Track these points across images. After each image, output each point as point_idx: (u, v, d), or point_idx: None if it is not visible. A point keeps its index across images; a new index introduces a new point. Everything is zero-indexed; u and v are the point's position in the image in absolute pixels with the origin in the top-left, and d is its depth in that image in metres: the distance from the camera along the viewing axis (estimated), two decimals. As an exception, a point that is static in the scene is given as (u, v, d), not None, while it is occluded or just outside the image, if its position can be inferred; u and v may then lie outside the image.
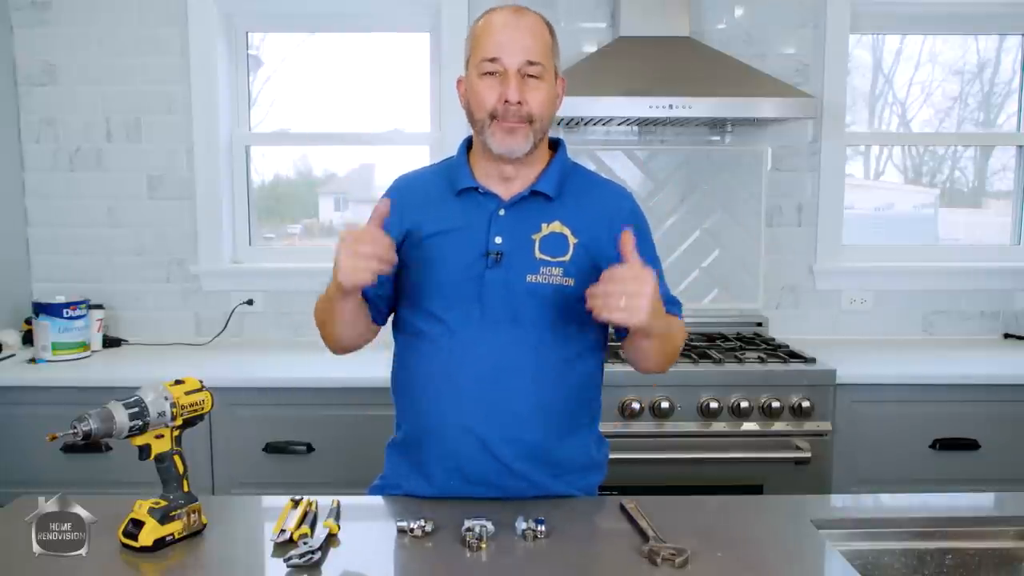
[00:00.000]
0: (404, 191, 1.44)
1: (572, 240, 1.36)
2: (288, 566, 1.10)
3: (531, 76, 1.31)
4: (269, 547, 1.16)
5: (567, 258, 1.36)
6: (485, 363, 1.33)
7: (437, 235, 1.38)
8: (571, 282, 1.35)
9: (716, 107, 2.30)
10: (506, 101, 1.29)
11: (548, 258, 1.35)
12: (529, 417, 1.35)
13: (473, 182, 1.39)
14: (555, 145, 1.46)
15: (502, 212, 1.37)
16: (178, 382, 1.21)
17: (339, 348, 1.46)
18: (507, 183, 1.39)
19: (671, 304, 1.46)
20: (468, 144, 1.46)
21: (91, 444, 1.15)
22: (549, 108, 1.35)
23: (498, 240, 1.35)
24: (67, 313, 2.38)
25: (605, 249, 1.37)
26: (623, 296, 1.17)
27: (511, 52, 1.29)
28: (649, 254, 1.44)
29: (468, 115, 1.37)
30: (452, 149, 1.53)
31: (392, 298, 1.46)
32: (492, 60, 1.30)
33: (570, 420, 1.41)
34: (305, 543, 1.14)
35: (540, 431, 1.36)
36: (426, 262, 1.38)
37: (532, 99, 1.31)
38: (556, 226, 1.37)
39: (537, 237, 1.36)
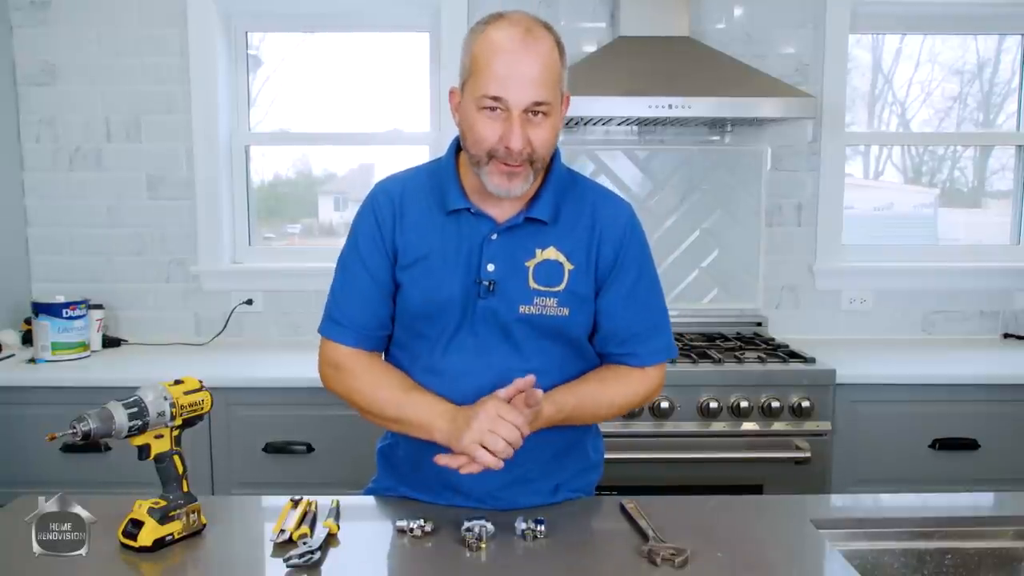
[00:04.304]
0: (395, 205, 1.34)
1: (567, 267, 1.30)
2: (288, 566, 1.10)
3: (537, 114, 1.21)
4: (269, 547, 1.16)
5: (561, 287, 1.30)
6: (481, 392, 1.26)
7: (428, 257, 1.31)
8: (566, 312, 1.30)
9: (716, 107, 2.30)
10: (507, 148, 1.20)
11: (542, 288, 1.29)
12: (530, 441, 1.26)
13: (465, 202, 1.30)
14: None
15: (495, 237, 1.29)
16: (178, 382, 1.22)
17: None
18: (500, 202, 1.30)
19: (642, 341, 1.36)
20: (457, 145, 1.35)
21: (91, 444, 1.15)
22: (553, 143, 1.26)
23: (490, 268, 1.28)
24: (67, 313, 2.38)
25: (597, 271, 1.33)
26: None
27: (517, 91, 1.18)
28: (637, 276, 1.36)
29: (462, 140, 1.28)
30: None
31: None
32: (494, 99, 1.19)
33: (569, 440, 1.39)
34: (305, 543, 1.14)
35: (539, 455, 1.34)
36: (417, 285, 1.31)
37: (536, 139, 1.21)
38: (551, 252, 1.30)
39: (531, 264, 1.30)
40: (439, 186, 1.33)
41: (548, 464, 1.37)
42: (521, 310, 1.29)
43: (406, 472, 1.40)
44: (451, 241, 1.30)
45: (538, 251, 1.30)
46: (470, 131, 1.23)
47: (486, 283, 1.28)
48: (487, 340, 1.30)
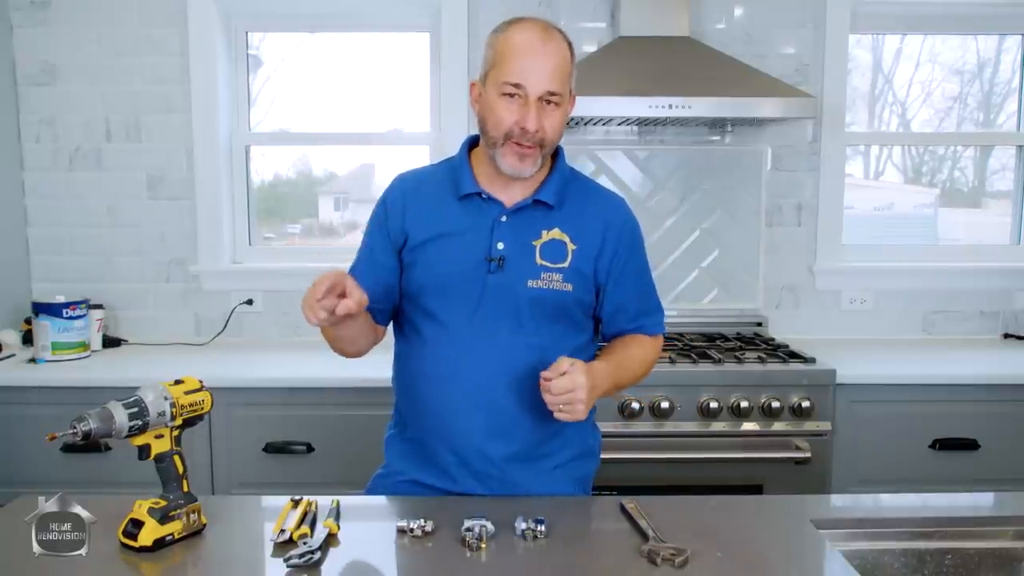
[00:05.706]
0: (407, 192, 1.46)
1: (571, 247, 1.41)
2: (288, 566, 1.10)
3: (550, 103, 1.34)
4: (269, 547, 1.16)
5: (566, 264, 1.40)
6: (487, 365, 1.37)
7: (439, 238, 1.40)
8: (569, 287, 1.40)
9: (716, 107, 2.30)
10: (523, 128, 1.33)
11: (549, 264, 1.39)
12: (530, 415, 1.38)
13: (476, 187, 1.41)
14: (554, 151, 1.47)
15: (504, 218, 1.40)
16: (178, 382, 1.22)
17: (348, 356, 1.50)
18: (509, 189, 1.42)
19: (647, 315, 1.52)
20: (470, 144, 1.47)
21: (91, 444, 1.15)
22: (561, 130, 1.39)
23: (500, 246, 1.39)
24: (67, 313, 2.38)
25: (600, 257, 1.43)
26: (559, 404, 1.27)
27: (534, 80, 1.32)
28: (640, 263, 1.51)
29: (481, 126, 1.40)
30: (452, 149, 1.53)
31: (396, 301, 1.47)
32: (515, 85, 1.32)
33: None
34: (305, 543, 1.14)
35: (543, 429, 1.40)
36: (428, 264, 1.40)
37: (548, 125, 1.35)
38: (556, 233, 1.41)
39: (538, 243, 1.40)
40: (453, 176, 1.45)
41: (546, 442, 1.43)
42: (530, 284, 1.38)
43: (414, 455, 1.44)
44: (463, 223, 1.41)
45: (544, 232, 1.41)
46: (491, 114, 1.36)
47: (496, 260, 1.38)
48: (493, 317, 1.38)
